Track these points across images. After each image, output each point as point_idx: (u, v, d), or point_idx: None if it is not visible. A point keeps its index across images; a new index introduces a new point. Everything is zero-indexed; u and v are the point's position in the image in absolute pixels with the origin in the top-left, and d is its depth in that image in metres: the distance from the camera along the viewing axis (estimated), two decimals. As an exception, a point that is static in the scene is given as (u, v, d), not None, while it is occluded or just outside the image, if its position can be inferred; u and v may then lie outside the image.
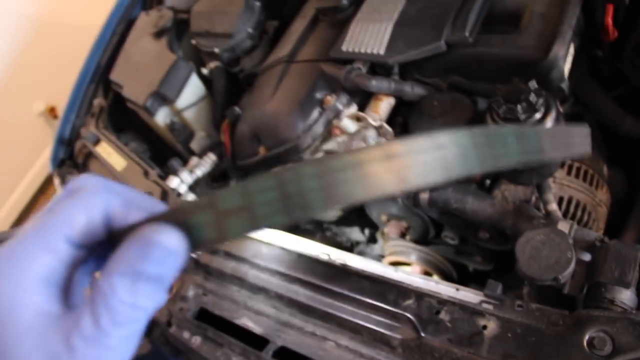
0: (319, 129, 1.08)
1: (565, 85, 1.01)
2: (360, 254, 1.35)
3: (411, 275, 0.91)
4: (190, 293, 1.05)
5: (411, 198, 1.09)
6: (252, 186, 0.36)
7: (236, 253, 1.02)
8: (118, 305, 0.35)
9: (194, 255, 1.05)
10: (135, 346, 0.38)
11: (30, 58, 2.98)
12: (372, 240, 1.39)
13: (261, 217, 0.36)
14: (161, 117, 1.38)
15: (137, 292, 0.36)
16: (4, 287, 0.36)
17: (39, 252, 0.37)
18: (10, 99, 2.96)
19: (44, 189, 3.29)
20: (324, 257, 0.98)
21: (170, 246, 0.37)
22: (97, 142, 1.49)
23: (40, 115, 3.13)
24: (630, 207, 1.13)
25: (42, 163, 3.25)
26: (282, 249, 1.00)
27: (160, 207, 0.42)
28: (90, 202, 0.39)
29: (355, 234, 1.39)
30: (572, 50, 1.02)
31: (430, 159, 0.37)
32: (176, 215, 0.38)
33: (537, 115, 0.88)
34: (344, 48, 1.10)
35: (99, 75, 1.67)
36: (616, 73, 1.15)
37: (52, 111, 3.14)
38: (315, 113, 1.09)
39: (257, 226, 0.36)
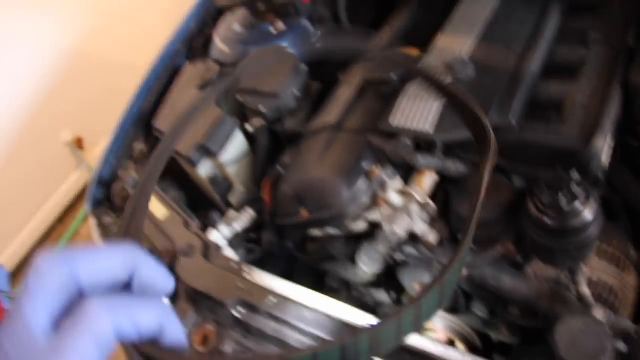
0: (364, 198, 1.12)
1: (602, 174, 1.06)
2: (386, 316, 1.38)
3: (445, 349, 0.94)
4: (229, 349, 1.08)
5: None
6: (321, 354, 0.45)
7: (279, 314, 1.06)
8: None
9: (235, 313, 1.08)
10: None
11: (61, 89, 3.05)
12: (397, 302, 1.42)
13: None
14: (203, 169, 1.42)
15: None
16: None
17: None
18: (40, 127, 3.02)
19: (63, 218, 3.33)
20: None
21: None
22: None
23: (67, 145, 3.19)
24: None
25: (63, 192, 3.30)
26: (327, 315, 1.03)
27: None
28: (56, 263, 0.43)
29: (381, 295, 1.42)
30: (611, 141, 1.06)
31: None
32: None
33: (578, 206, 0.92)
34: (392, 122, 1.15)
35: (141, 120, 1.72)
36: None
37: (78, 142, 3.20)
38: (362, 183, 1.13)
39: None
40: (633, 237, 1.19)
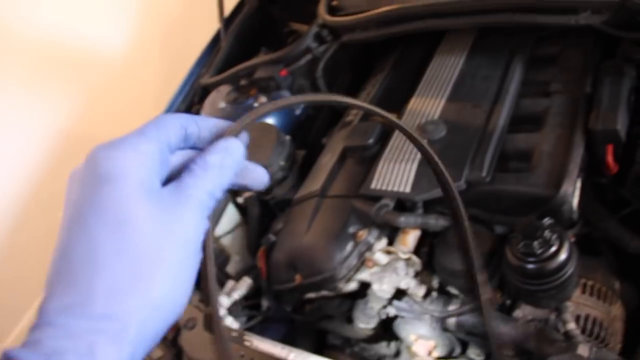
0: (353, 261, 1.18)
1: (575, 215, 1.12)
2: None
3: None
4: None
5: (440, 321, 1.18)
6: None
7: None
8: (212, 168, 0.50)
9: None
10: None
11: (57, 170, 3.10)
12: (397, 354, 1.46)
13: None
14: (200, 244, 1.48)
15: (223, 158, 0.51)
16: (118, 160, 0.46)
17: (146, 141, 0.48)
18: (39, 208, 3.06)
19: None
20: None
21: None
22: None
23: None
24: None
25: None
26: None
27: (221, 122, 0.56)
28: (175, 115, 0.53)
29: (382, 349, 1.46)
30: (579, 184, 1.13)
31: None
32: None
33: (552, 249, 0.98)
34: (373, 186, 1.22)
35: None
36: (620, 197, 1.25)
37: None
38: (349, 246, 1.20)
39: None
40: (617, 269, 1.24)
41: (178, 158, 0.53)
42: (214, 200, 0.50)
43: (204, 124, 0.54)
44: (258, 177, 0.59)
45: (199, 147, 0.54)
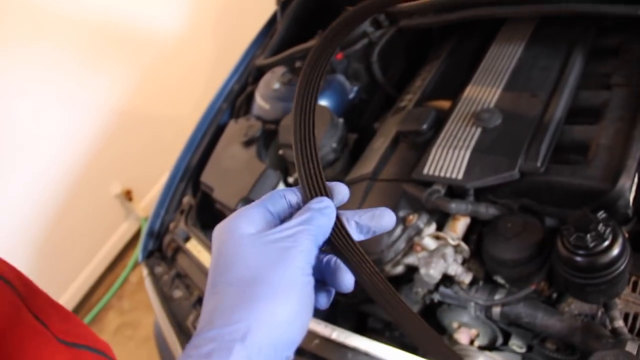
0: (401, 244, 1.19)
1: (630, 211, 1.10)
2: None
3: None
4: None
5: (484, 310, 1.18)
6: None
7: (324, 355, 1.12)
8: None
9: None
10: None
11: (110, 144, 3.21)
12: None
13: None
14: (249, 220, 1.50)
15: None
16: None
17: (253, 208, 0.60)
18: (91, 179, 3.17)
19: (113, 266, 3.46)
20: (405, 365, 1.08)
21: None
22: (187, 239, 1.63)
23: (116, 197, 3.34)
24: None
25: (114, 242, 3.43)
26: (368, 355, 1.09)
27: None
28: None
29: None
30: (636, 179, 1.11)
31: None
32: None
33: (605, 244, 0.97)
34: (425, 171, 1.22)
35: (189, 174, 1.83)
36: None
37: (127, 194, 3.35)
38: (398, 230, 1.20)
39: None
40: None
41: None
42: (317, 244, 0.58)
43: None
44: None
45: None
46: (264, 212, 0.59)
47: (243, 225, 0.56)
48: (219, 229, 0.58)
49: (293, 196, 0.63)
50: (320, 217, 0.59)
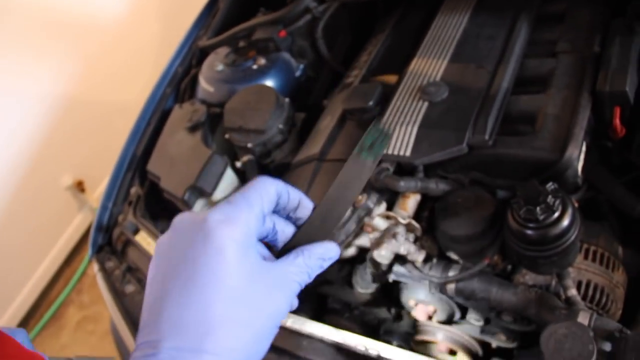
0: (351, 226, 1.16)
1: (579, 180, 1.09)
2: (388, 331, 1.41)
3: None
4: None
5: (439, 287, 1.16)
6: None
7: (278, 344, 1.09)
8: (307, 267, 0.58)
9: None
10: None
11: (58, 135, 3.12)
12: (398, 318, 1.45)
13: None
14: (197, 208, 1.46)
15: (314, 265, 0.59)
16: (225, 229, 0.52)
17: (248, 213, 0.55)
18: (40, 172, 3.08)
19: (70, 260, 3.38)
20: (361, 349, 1.06)
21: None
22: (136, 231, 1.58)
23: (68, 189, 3.24)
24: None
25: (68, 235, 3.34)
26: (322, 341, 1.07)
27: (303, 195, 0.64)
28: (274, 181, 0.60)
29: (382, 312, 1.45)
30: (584, 147, 1.10)
31: None
32: None
33: (555, 215, 0.95)
34: (372, 149, 1.19)
35: (135, 164, 1.77)
36: (626, 161, 1.22)
37: (79, 185, 3.26)
38: (348, 211, 1.17)
39: None
40: (621, 234, 1.22)
41: (268, 222, 0.61)
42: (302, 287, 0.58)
43: (293, 194, 0.62)
44: None
45: (282, 214, 0.63)
46: (256, 221, 0.56)
47: (232, 234, 0.52)
48: (197, 230, 0.53)
49: (285, 196, 0.61)
50: (325, 265, 0.60)
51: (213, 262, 0.51)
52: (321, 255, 0.60)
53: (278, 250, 0.62)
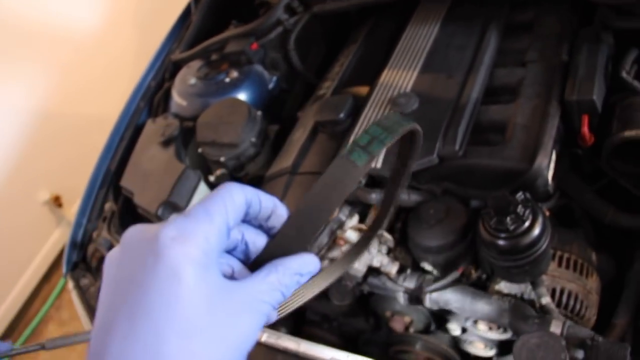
0: (324, 239, 1.15)
1: (550, 188, 1.10)
2: (367, 342, 1.40)
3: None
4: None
5: (414, 298, 1.16)
6: None
7: (253, 362, 1.08)
8: (281, 285, 0.50)
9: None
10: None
11: (34, 147, 3.07)
12: (376, 328, 1.45)
13: None
14: (171, 224, 1.45)
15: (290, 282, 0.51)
16: (179, 248, 0.45)
17: (208, 227, 0.47)
18: (15, 188, 3.03)
19: (49, 276, 3.33)
20: (335, 363, 1.06)
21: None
22: (110, 247, 1.56)
23: (44, 204, 3.20)
24: (620, 289, 1.17)
25: (46, 251, 3.30)
26: (297, 356, 1.07)
27: (278, 202, 0.56)
28: (241, 188, 0.52)
29: (360, 323, 1.45)
30: (554, 156, 1.10)
31: None
32: None
33: (525, 225, 0.96)
34: (343, 162, 1.18)
35: (109, 180, 1.75)
36: (596, 168, 1.23)
37: (56, 200, 3.21)
38: (319, 225, 1.17)
39: None
40: (594, 240, 1.23)
41: (235, 233, 0.53)
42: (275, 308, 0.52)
43: (265, 201, 0.54)
44: None
45: (254, 223, 0.55)
46: (218, 235, 0.48)
47: (187, 253, 0.45)
48: (147, 249, 0.45)
49: (256, 205, 0.53)
50: (302, 281, 0.53)
51: (165, 287, 0.44)
52: (297, 270, 0.52)
53: (250, 263, 0.54)
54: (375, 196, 1.12)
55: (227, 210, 0.49)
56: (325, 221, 0.54)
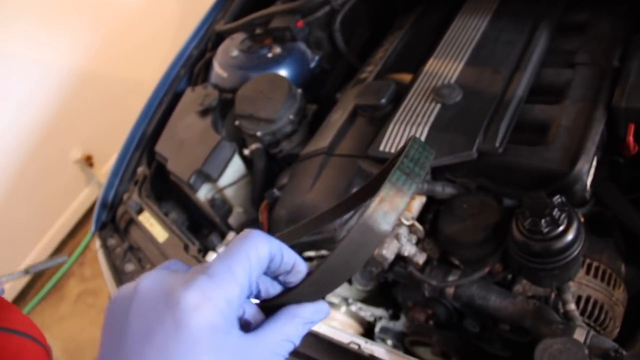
0: (353, 223, 1.15)
1: (587, 194, 1.08)
2: (383, 329, 1.40)
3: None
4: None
5: (437, 290, 1.16)
6: None
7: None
8: (296, 336, 0.51)
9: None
10: None
11: (69, 108, 3.12)
12: (394, 317, 1.45)
13: None
14: (203, 193, 1.46)
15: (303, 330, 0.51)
16: (202, 318, 0.44)
17: (230, 288, 0.46)
18: (50, 144, 3.08)
19: (74, 233, 3.39)
20: (354, 347, 1.05)
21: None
22: (140, 210, 1.58)
23: (76, 163, 3.25)
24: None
25: (74, 208, 3.36)
26: (316, 336, 1.07)
27: (299, 258, 0.54)
28: (267, 241, 0.50)
29: (379, 310, 1.45)
30: (595, 162, 1.08)
31: None
32: None
33: (560, 229, 0.94)
34: (381, 147, 1.18)
35: (144, 144, 1.77)
36: (636, 179, 1.20)
37: (88, 159, 3.26)
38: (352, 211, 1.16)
39: None
40: (625, 251, 1.21)
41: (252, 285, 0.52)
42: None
43: (287, 257, 0.53)
44: None
45: (269, 275, 0.54)
46: (240, 294, 0.47)
47: (210, 319, 0.44)
48: (167, 311, 0.44)
49: (279, 259, 0.52)
50: (312, 327, 0.53)
51: (189, 356, 0.43)
52: (311, 319, 0.52)
53: (262, 301, 0.54)
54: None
55: (251, 267, 0.48)
56: (342, 282, 0.53)
